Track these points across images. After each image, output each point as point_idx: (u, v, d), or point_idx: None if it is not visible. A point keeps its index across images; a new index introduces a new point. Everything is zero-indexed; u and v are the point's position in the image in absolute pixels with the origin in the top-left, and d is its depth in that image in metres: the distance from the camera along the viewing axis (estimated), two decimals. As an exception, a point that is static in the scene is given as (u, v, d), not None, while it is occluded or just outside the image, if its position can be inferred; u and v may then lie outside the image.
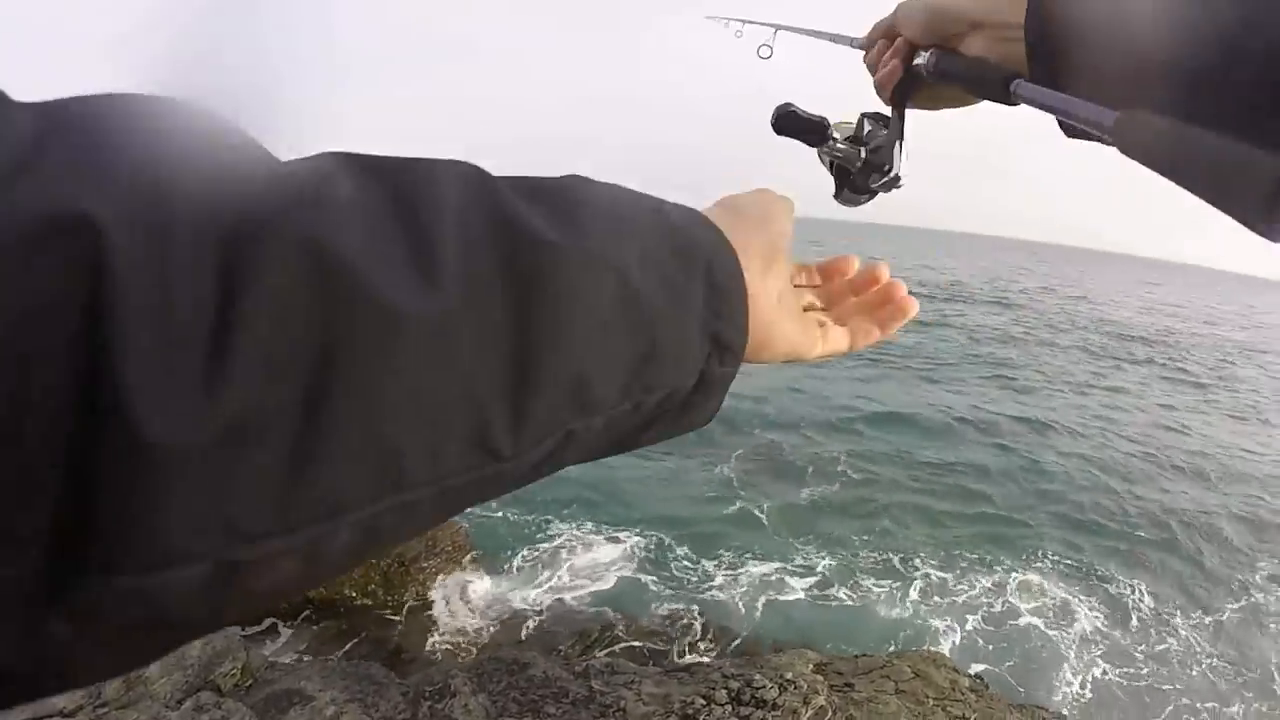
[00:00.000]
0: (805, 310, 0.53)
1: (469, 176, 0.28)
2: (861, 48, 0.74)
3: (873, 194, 0.71)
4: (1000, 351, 18.37)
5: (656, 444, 0.40)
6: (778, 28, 1.29)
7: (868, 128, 0.68)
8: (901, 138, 0.66)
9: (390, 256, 0.23)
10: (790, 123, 0.68)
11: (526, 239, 0.28)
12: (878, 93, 0.67)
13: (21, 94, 0.20)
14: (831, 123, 0.69)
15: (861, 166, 0.68)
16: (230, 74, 0.28)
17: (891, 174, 0.65)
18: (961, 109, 0.69)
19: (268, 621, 4.62)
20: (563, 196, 0.32)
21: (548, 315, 0.28)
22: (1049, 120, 0.55)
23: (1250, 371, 21.20)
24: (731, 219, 0.43)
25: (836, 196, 0.73)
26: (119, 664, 0.23)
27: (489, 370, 0.26)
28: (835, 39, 0.95)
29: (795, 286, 0.55)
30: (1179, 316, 35.66)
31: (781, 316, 0.46)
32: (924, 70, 0.62)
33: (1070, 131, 0.51)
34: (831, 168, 0.73)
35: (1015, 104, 0.52)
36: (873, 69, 0.68)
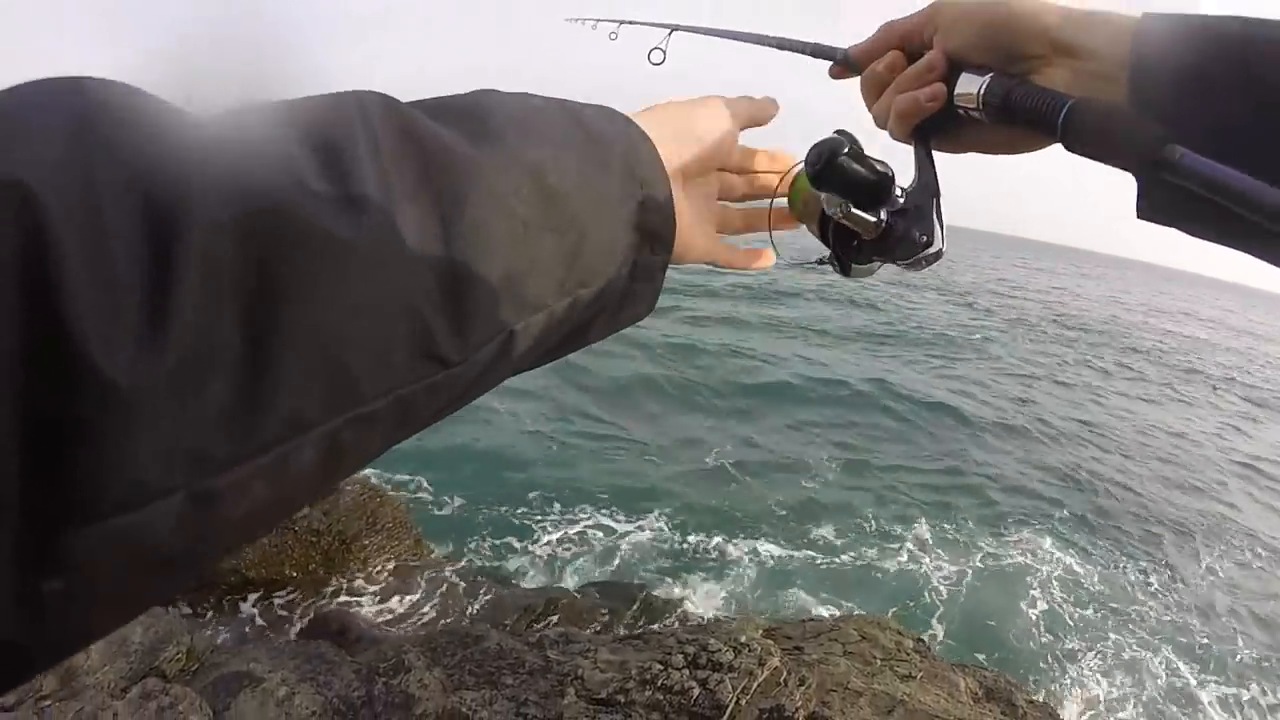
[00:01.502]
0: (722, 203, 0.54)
1: (374, 104, 0.29)
2: (846, 62, 0.52)
3: (887, 262, 0.53)
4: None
5: (604, 339, 0.40)
6: (673, 28, 1.05)
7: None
8: (939, 194, 0.47)
9: (313, 188, 0.24)
10: (843, 173, 0.44)
11: (437, 152, 0.29)
12: (887, 125, 0.49)
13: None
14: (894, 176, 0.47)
15: (878, 236, 0.48)
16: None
17: (933, 249, 0.46)
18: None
19: (210, 603, 4.50)
20: (471, 109, 0.33)
21: (468, 221, 0.28)
22: None
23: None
24: (660, 125, 0.42)
25: (845, 273, 0.53)
26: (117, 615, 0.24)
27: (421, 281, 0.27)
28: (787, 45, 0.68)
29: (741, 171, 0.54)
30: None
31: (697, 220, 0.47)
32: (978, 102, 0.43)
33: (1156, 215, 0.38)
34: (828, 231, 0.52)
35: (1153, 179, 0.35)
36: (875, 91, 0.50)
